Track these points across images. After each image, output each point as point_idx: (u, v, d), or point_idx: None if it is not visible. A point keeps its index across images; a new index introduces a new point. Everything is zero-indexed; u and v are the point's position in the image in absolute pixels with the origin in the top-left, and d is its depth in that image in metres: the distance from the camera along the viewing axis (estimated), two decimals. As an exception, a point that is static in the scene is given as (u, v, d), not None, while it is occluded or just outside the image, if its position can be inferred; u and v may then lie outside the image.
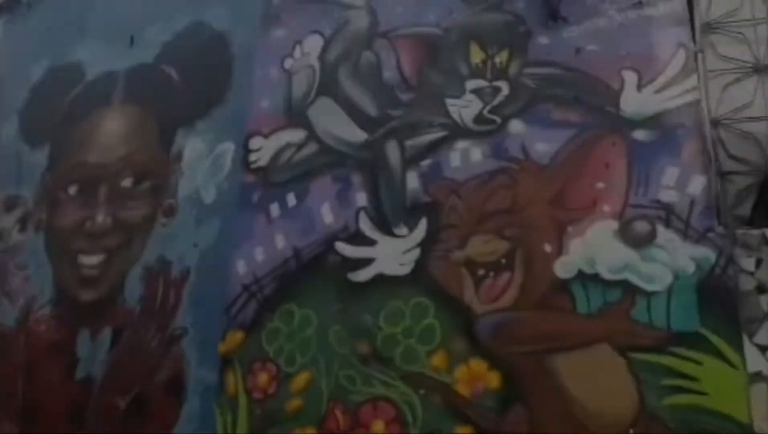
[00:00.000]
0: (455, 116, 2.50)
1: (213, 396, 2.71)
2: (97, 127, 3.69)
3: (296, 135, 2.92)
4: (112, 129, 3.63)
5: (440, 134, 2.51)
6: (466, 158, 2.42)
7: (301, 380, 2.51)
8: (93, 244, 3.40)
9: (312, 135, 2.88)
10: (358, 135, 2.74)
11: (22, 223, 3.82)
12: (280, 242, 2.78)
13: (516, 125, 2.38)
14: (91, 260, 3.38)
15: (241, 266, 2.84)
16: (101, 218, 3.43)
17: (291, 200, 2.82)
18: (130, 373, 2.99)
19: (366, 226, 2.58)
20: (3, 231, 3.88)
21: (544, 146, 2.31)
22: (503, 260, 2.23)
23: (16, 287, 3.65)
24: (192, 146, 3.25)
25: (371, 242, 2.55)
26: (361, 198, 2.64)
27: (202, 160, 3.19)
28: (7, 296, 3.67)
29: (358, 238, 2.59)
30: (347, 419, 2.37)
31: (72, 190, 3.64)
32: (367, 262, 2.53)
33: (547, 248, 2.18)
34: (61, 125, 3.89)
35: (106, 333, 3.16)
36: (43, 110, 4.04)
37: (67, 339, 3.29)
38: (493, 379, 2.13)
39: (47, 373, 3.29)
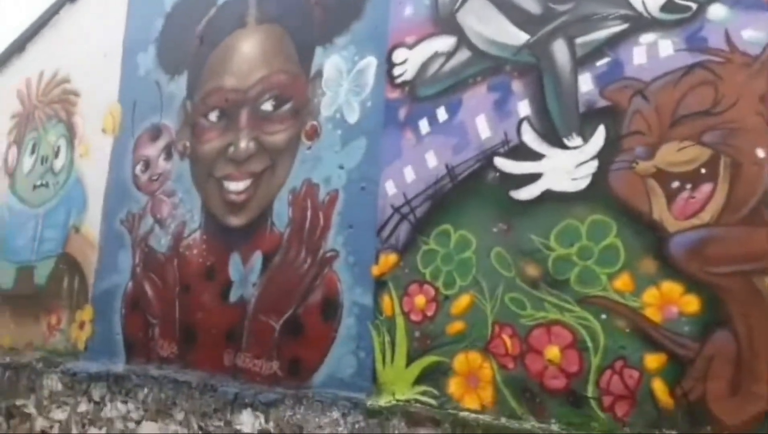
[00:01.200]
0: (638, 5, 2.22)
1: (368, 317, 2.74)
2: (233, 50, 3.73)
3: (445, 43, 2.76)
4: (249, 51, 3.65)
5: (619, 27, 2.25)
6: (653, 53, 2.15)
7: (462, 303, 2.46)
8: (238, 170, 3.50)
9: (463, 41, 2.71)
10: (518, 37, 2.53)
11: (167, 151, 4.01)
12: (432, 160, 2.68)
13: (717, 10, 2.07)
14: (237, 185, 3.49)
15: (390, 187, 2.79)
16: (244, 143, 3.50)
17: (441, 114, 2.70)
18: (283, 296, 3.09)
19: (530, 138, 2.41)
20: (150, 160, 4.11)
21: (753, 34, 1.99)
22: (703, 170, 1.98)
23: (167, 213, 3.87)
24: (332, 64, 3.19)
25: (537, 156, 2.39)
26: (524, 107, 2.46)
27: (343, 78, 3.13)
28: (159, 223, 3.91)
29: (520, 152, 2.43)
30: (516, 343, 2.29)
31: (213, 116, 3.75)
32: (532, 178, 2.38)
33: (760, 153, 1.91)
34: (196, 51, 3.98)
35: (257, 257, 3.27)
36: (179, 38, 4.15)
37: (219, 263, 3.46)
38: (691, 303, 1.94)
39: (202, 296, 3.50)
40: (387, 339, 2.65)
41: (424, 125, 2.74)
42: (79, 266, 4.44)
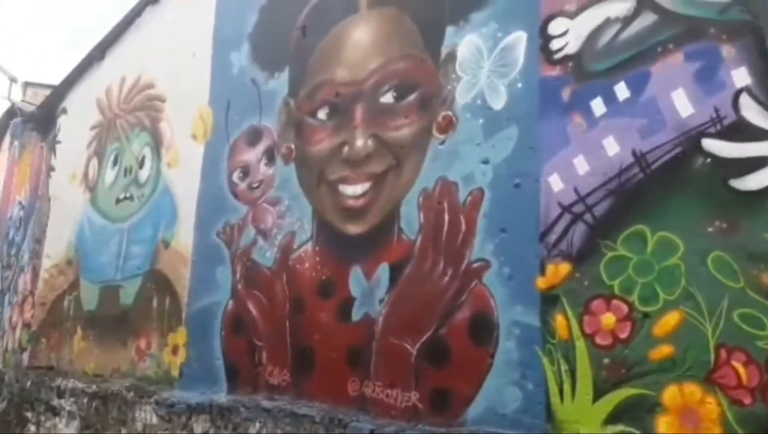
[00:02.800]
0: None
1: (535, 340, 2.36)
2: (343, 39, 3.46)
3: (619, 7, 2.39)
4: (362, 39, 3.37)
5: None
6: None
7: (669, 322, 2.05)
8: (355, 171, 3.21)
9: (644, 3, 2.32)
10: (725, -9, 2.13)
11: (269, 155, 3.77)
12: (612, 146, 2.30)
13: None
14: (354, 189, 3.20)
15: (555, 182, 2.43)
16: (361, 141, 3.21)
17: (622, 91, 2.31)
18: (419, 313, 2.76)
19: (753, 113, 2.00)
20: (249, 166, 3.88)
21: None
22: None
23: (271, 224, 3.62)
24: (468, 44, 2.86)
25: (764, 135, 1.97)
26: (740, 76, 2.05)
27: (483, 59, 2.79)
28: (262, 234, 3.65)
29: (740, 131, 2.02)
30: (753, 372, 1.87)
31: (322, 114, 3.48)
32: (759, 162, 1.96)
33: None
34: (298, 44, 3.74)
35: (383, 269, 2.96)
36: (277, 31, 3.92)
37: (336, 277, 3.17)
38: None
39: (318, 315, 3.20)
40: (563, 367, 2.26)
41: (597, 106, 2.37)
42: (170, 284, 4.25)
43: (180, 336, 4.03)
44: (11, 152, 8.85)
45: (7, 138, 9.31)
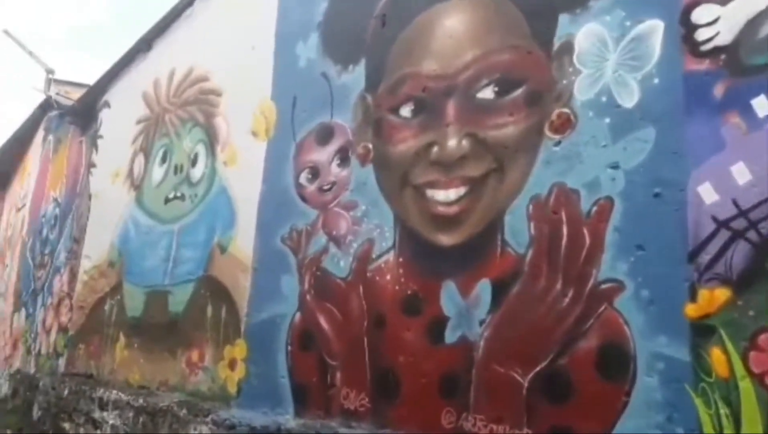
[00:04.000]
0: None
1: (684, 377, 2.06)
2: (431, 28, 3.19)
3: (787, -10, 2.09)
4: (455, 28, 3.10)
5: None
6: None
7: None
8: (447, 175, 2.93)
9: (821, -15, 2.03)
10: None
11: (342, 156, 3.51)
12: (782, 152, 2.00)
13: None
14: (447, 194, 2.92)
15: (707, 193, 2.12)
16: (454, 141, 2.94)
17: (792, 88, 2.02)
18: (531, 339, 2.47)
19: None
20: (318, 166, 3.63)
21: None
22: None
23: (345, 230, 3.36)
24: (588, 34, 2.57)
25: None
26: None
27: (608, 50, 2.50)
28: (335, 241, 3.40)
29: None
30: None
31: (405, 110, 3.21)
32: None
33: None
34: (376, 34, 3.48)
35: (483, 286, 2.68)
36: (351, 21, 3.67)
37: (425, 293, 2.89)
38: None
39: (403, 334, 2.93)
40: (723, 410, 1.96)
41: (761, 105, 2.07)
42: (227, 293, 4.01)
43: (238, 350, 3.78)
44: (45, 147, 8.75)
45: (41, 132, 9.22)
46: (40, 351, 6.68)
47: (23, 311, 7.96)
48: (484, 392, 2.58)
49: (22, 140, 10.25)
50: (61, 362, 5.93)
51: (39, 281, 7.33)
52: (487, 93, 2.87)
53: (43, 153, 8.70)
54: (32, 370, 6.78)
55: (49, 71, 8.02)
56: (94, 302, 5.59)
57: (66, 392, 5.21)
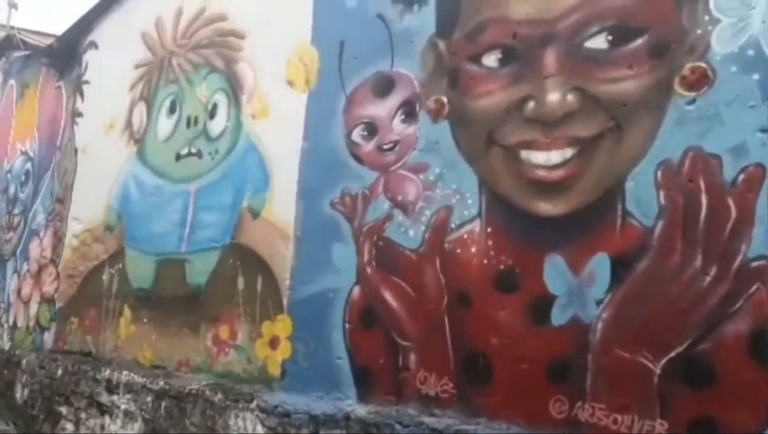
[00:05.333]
0: None
1: None
2: (521, -36, 2.99)
3: None
4: (556, -36, 2.90)
5: None
6: None
7: None
8: (547, 134, 2.77)
9: None
10: None
11: (407, 110, 3.31)
12: None
13: None
14: (548, 157, 2.76)
15: None
16: (556, 96, 2.76)
17: None
18: (663, 322, 2.36)
19: None
20: (376, 122, 3.43)
21: None
22: None
23: (414, 195, 3.19)
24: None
25: None
26: None
27: (760, -5, 2.35)
28: (401, 207, 3.22)
29: None
30: None
31: (490, 59, 3.02)
32: None
33: None
34: (449, -33, 3.26)
35: (600, 262, 2.55)
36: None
37: (522, 268, 2.76)
38: None
39: (495, 313, 2.80)
40: None
41: None
42: (262, 262, 3.82)
43: (281, 326, 3.61)
44: (5, 93, 8.27)
45: (-3, 76, 8.70)
46: (15, 323, 6.38)
47: (-13, 278, 7.60)
48: (603, 379, 2.48)
49: (-30, 85, 9.69)
50: (47, 337, 5.66)
51: (8, 245, 6.98)
52: (599, 42, 2.70)
53: (3, 100, 8.22)
54: (6, 345, 6.49)
55: (12, 4, 7.51)
56: (87, 270, 5.31)
57: (59, 371, 4.97)
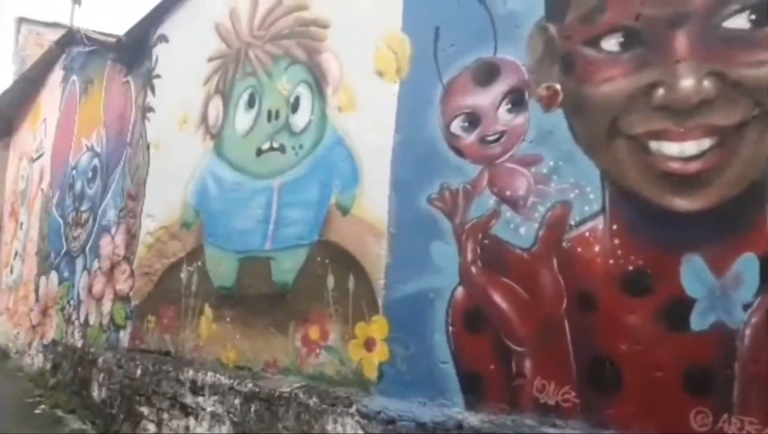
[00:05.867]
0: None
1: None
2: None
3: None
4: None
5: None
6: None
7: None
8: (680, 123, 2.60)
9: None
10: None
11: (514, 98, 3.18)
12: None
13: None
14: (682, 147, 2.59)
15: None
16: (690, 81, 2.59)
17: None
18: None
19: None
20: (479, 112, 3.30)
21: None
22: None
23: (525, 190, 3.05)
24: None
25: None
26: None
27: None
28: (509, 203, 3.10)
29: None
30: None
31: (611, 43, 2.86)
32: None
33: None
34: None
35: (747, 262, 2.38)
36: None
37: (654, 269, 2.60)
38: None
39: (623, 317, 2.65)
40: None
41: None
42: (354, 261, 3.74)
43: (376, 327, 3.53)
44: (67, 89, 8.38)
45: (58, 72, 8.84)
46: (87, 321, 6.46)
47: (54, 275, 7.73)
48: (754, 391, 2.32)
49: (33, 81, 9.88)
50: (123, 335, 5.70)
51: (76, 242, 7.07)
52: (740, 22, 2.53)
53: (65, 96, 8.34)
54: (78, 343, 6.58)
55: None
56: (164, 268, 5.32)
57: (139, 371, 4.99)
